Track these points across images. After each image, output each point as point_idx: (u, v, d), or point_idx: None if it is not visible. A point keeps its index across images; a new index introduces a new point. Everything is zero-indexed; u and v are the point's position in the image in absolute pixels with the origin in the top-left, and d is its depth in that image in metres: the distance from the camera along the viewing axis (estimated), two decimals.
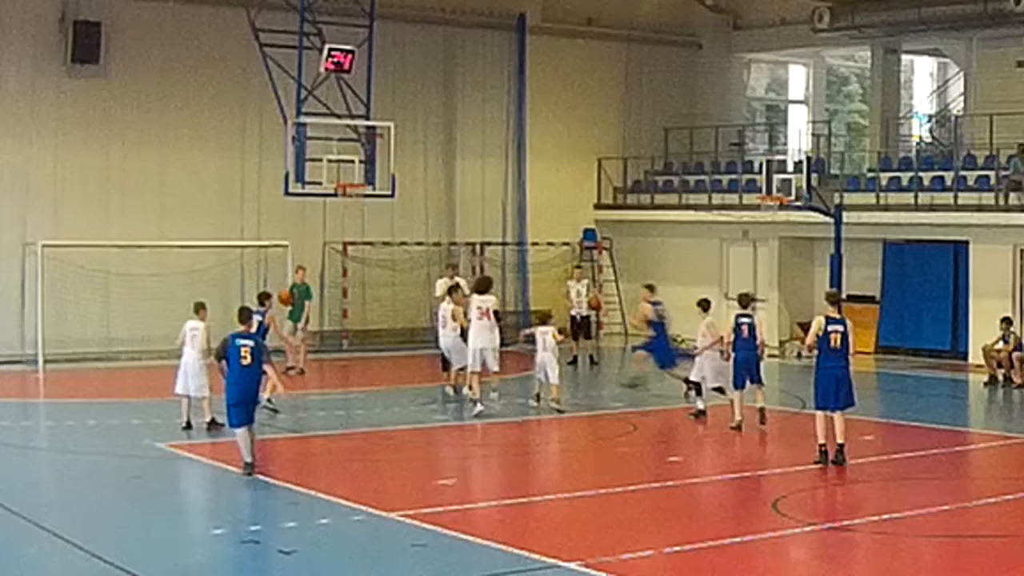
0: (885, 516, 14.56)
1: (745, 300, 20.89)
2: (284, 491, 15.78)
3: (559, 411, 21.77)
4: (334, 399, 23.10)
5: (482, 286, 22.39)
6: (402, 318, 32.18)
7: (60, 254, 27.94)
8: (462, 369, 22.50)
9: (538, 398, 22.39)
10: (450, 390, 23.17)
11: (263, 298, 22.26)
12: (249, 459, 16.52)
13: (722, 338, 20.63)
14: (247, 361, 16.43)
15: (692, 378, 21.68)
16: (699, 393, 21.44)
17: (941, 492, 16.30)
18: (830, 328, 17.47)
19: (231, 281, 29.35)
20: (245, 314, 17.48)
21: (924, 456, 18.49)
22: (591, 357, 29.05)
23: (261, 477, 16.48)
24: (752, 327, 20.39)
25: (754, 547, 13.47)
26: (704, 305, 21.56)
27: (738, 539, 13.59)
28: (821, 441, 17.35)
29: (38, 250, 27.62)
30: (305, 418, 21.57)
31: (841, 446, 17.34)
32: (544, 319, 22.55)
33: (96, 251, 28.47)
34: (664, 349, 22.75)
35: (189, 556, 13.21)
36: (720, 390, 21.15)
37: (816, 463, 17.26)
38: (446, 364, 23.40)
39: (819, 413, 17.49)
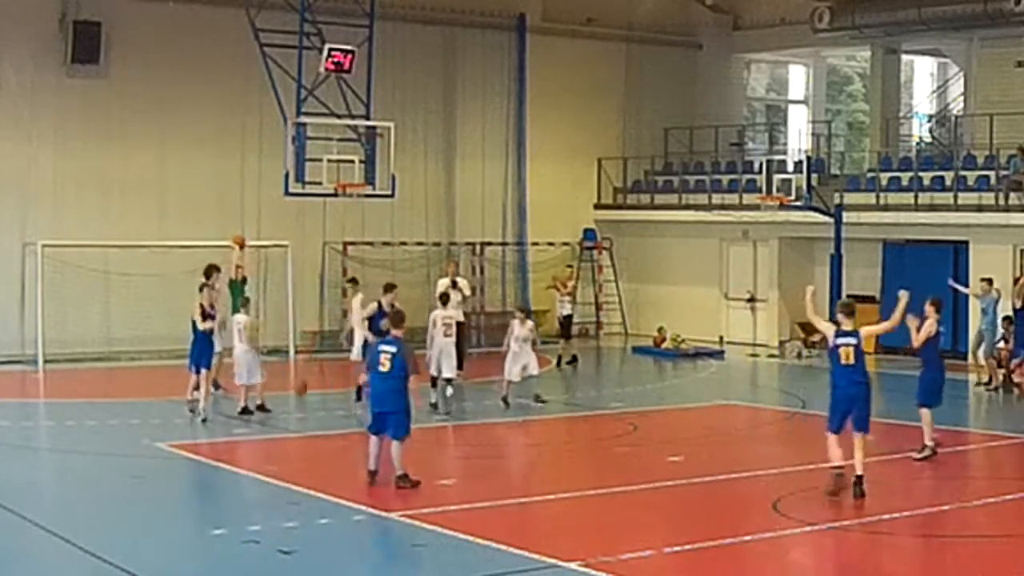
0: (885, 516, 14.56)
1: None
2: (284, 491, 15.76)
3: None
4: (334, 399, 23.08)
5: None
6: None
7: (60, 254, 27.93)
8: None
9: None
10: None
11: (208, 272, 21.76)
12: (372, 467, 15.97)
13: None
14: (385, 368, 15.72)
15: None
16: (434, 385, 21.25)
17: (941, 492, 16.30)
18: (840, 341, 15.47)
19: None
20: (398, 317, 16.37)
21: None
22: (573, 356, 28.88)
23: (262, 477, 16.50)
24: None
25: (754, 547, 13.47)
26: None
27: (738, 539, 13.59)
28: (836, 463, 15.30)
29: (38, 250, 27.60)
30: (305, 418, 21.57)
31: (860, 477, 15.24)
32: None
33: (96, 251, 28.45)
34: None
35: (189, 556, 13.21)
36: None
37: (830, 494, 15.13)
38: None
39: (830, 436, 15.51)
